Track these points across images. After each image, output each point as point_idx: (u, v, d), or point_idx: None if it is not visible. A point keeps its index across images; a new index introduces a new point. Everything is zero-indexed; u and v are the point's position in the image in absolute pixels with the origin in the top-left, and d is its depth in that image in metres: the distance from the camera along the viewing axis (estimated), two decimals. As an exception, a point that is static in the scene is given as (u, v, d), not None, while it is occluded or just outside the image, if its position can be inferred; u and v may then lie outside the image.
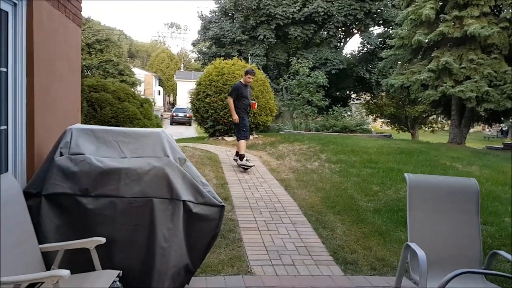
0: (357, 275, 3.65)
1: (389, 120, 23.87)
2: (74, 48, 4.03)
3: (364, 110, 23.94)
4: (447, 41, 12.65)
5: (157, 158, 2.85)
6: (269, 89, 12.17)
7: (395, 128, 23.88)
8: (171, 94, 55.97)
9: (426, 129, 24.13)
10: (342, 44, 28.20)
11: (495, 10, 13.04)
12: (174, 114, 35.30)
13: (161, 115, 34.11)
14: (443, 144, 12.82)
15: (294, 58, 19.20)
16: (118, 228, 2.68)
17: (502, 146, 13.53)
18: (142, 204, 2.71)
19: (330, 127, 13.50)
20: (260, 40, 24.11)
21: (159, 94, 50.45)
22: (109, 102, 10.16)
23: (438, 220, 3.02)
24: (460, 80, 12.03)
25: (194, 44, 32.39)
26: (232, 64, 11.73)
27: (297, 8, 23.29)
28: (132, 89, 21.67)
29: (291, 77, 17.38)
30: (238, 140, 7.41)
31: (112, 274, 2.46)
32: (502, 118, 14.95)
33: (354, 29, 26.90)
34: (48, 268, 2.49)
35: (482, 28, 11.50)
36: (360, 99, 28.89)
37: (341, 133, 12.79)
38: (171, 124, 33.80)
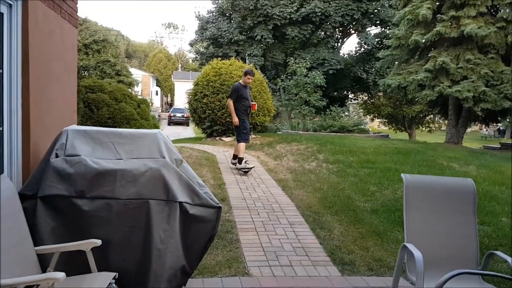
0: (355, 275, 3.65)
1: (386, 120, 23.89)
2: (70, 49, 4.01)
3: (362, 110, 23.94)
4: (444, 41, 12.68)
5: (153, 159, 2.84)
6: (267, 89, 12.18)
7: (393, 128, 23.92)
8: (169, 95, 55.95)
9: (423, 129, 24.21)
10: (339, 44, 28.21)
11: (492, 10, 13.09)
12: (172, 114, 35.30)
13: (159, 116, 34.04)
14: (440, 144, 12.84)
15: (292, 58, 19.20)
16: (114, 229, 2.67)
17: (499, 146, 13.60)
18: (138, 205, 2.70)
19: (328, 127, 13.50)
20: (257, 41, 24.11)
21: (157, 94, 50.43)
22: (106, 103, 10.11)
23: (435, 220, 3.02)
24: (457, 80, 12.05)
25: (191, 45, 32.36)
26: (230, 65, 11.72)
27: (294, 8, 23.30)
28: (130, 89, 21.60)
29: (289, 77, 17.40)
30: (238, 143, 7.16)
31: (108, 276, 2.46)
32: (499, 118, 14.99)
33: (351, 29, 26.93)
34: (44, 270, 2.48)
35: (479, 28, 11.53)
36: (357, 99, 28.92)
37: (338, 133, 12.80)
38: (169, 124, 33.76)
